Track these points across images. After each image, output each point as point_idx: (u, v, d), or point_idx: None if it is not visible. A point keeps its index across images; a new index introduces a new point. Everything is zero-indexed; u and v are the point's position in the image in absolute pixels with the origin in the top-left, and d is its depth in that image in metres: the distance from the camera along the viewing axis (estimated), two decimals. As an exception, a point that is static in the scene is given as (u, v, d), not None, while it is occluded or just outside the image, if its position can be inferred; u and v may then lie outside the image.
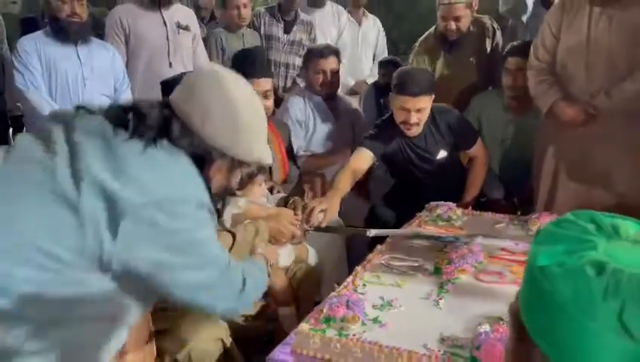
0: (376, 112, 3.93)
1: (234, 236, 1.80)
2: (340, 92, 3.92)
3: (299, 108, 3.10)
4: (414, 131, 2.51)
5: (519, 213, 3.00)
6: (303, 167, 2.98)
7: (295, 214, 2.03)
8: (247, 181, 1.89)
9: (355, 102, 3.64)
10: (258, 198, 2.13)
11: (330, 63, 3.10)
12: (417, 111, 2.44)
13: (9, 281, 1.06)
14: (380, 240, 2.24)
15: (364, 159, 2.54)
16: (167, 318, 1.70)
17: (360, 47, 4.48)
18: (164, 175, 1.15)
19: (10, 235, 1.08)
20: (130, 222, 1.08)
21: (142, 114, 1.18)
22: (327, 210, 2.23)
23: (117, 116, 1.19)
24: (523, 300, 0.66)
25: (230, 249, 1.82)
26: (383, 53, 4.59)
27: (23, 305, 1.06)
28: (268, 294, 2.07)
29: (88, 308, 1.14)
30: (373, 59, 4.54)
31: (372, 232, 2.22)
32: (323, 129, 3.14)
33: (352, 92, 4.44)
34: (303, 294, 2.15)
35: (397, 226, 2.45)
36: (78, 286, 1.11)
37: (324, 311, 1.51)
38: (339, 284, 1.79)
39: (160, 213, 1.11)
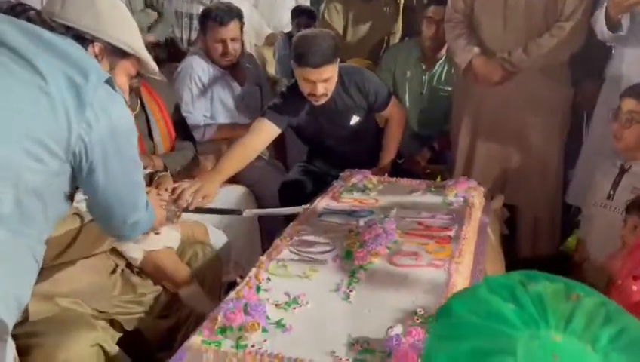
0: (290, 65, 3.67)
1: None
2: (250, 47, 3.62)
3: (202, 70, 2.77)
4: (322, 101, 2.28)
5: (442, 175, 2.95)
6: (211, 138, 2.71)
7: (158, 194, 1.76)
8: None
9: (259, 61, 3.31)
10: None
11: (230, 31, 2.69)
12: (323, 82, 2.20)
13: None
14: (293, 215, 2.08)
15: (263, 133, 2.27)
16: (31, 334, 1.47)
17: None
18: (85, 54, 1.20)
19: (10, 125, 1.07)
20: (89, 104, 1.11)
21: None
22: (201, 190, 1.98)
23: None
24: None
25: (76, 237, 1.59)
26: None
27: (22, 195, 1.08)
28: (161, 279, 1.88)
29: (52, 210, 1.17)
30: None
31: (248, 212, 2.08)
32: (227, 96, 2.82)
33: (269, 42, 4.15)
34: (205, 281, 1.95)
35: (313, 195, 2.30)
36: (56, 177, 1.14)
37: (219, 319, 1.33)
38: (244, 274, 1.62)
39: (102, 89, 1.14)
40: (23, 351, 1.41)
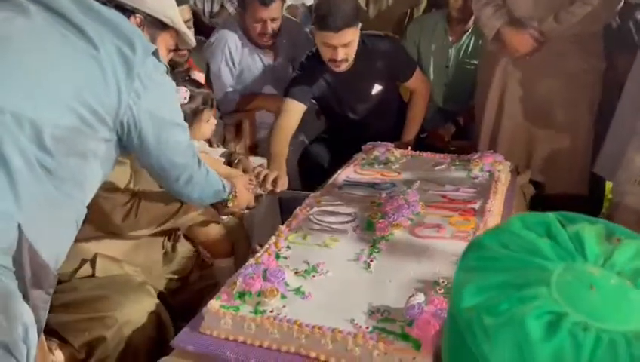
0: (312, 38, 3.61)
1: None
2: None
3: (235, 46, 2.74)
4: (344, 68, 2.23)
5: (466, 151, 2.87)
6: (233, 109, 2.70)
7: (250, 180, 1.84)
8: (191, 118, 1.74)
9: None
10: (208, 136, 1.97)
11: (272, 11, 2.60)
12: (344, 46, 2.15)
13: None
14: (314, 187, 2.06)
15: (292, 112, 2.26)
16: (98, 287, 1.53)
17: None
18: (131, 25, 1.21)
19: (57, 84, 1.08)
20: (137, 75, 1.14)
21: None
22: (281, 177, 2.02)
23: None
24: (445, 352, 0.47)
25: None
26: None
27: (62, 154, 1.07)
28: (202, 246, 1.92)
29: (95, 171, 1.18)
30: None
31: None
32: (257, 72, 2.80)
33: (290, 13, 4.09)
34: (237, 248, 1.97)
35: (332, 168, 2.27)
36: (104, 143, 1.16)
37: (238, 284, 1.32)
38: (261, 245, 1.60)
39: (149, 60, 1.17)
40: (86, 301, 1.50)
